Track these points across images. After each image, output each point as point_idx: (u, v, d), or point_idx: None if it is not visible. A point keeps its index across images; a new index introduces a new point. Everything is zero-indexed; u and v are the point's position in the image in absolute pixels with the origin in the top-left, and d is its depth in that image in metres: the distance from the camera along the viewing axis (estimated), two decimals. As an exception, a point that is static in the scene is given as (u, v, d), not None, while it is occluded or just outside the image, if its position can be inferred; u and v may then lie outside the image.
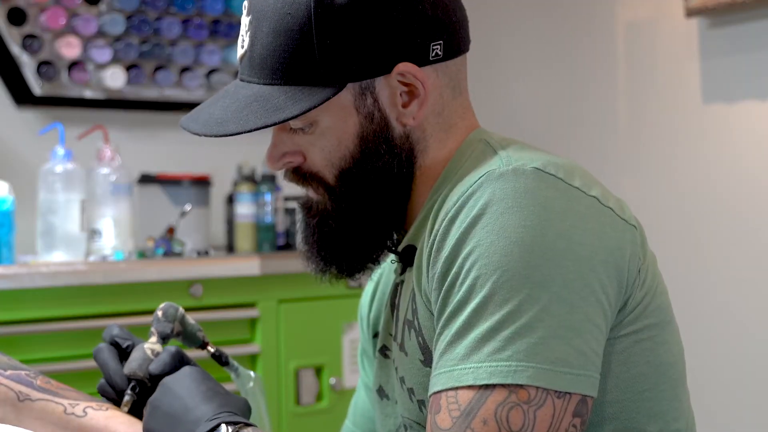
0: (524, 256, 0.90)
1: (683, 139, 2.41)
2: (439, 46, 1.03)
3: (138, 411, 1.09)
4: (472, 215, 0.93)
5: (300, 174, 1.07)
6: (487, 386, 0.88)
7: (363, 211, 1.06)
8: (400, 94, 1.03)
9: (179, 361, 1.08)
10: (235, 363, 1.19)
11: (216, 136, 1.01)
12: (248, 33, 1.05)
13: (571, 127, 2.73)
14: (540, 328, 0.89)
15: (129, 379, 1.09)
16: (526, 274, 0.90)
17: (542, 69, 2.83)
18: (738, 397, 2.28)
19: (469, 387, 0.89)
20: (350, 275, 1.09)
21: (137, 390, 1.08)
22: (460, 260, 0.93)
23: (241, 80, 1.06)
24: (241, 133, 1.00)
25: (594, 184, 1.00)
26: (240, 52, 1.06)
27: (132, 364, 1.09)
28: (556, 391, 0.89)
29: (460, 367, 0.90)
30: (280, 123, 1.00)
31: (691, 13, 2.29)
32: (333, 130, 1.04)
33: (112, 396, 1.10)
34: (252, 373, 1.19)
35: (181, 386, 1.01)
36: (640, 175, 2.52)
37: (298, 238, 1.12)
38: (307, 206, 1.09)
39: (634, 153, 2.54)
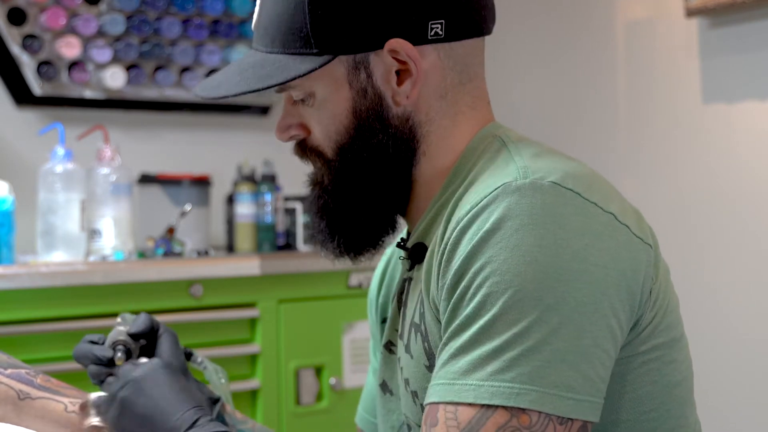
0: (537, 276, 0.88)
1: (683, 139, 2.41)
2: (439, 26, 1.00)
3: None
4: (485, 228, 0.91)
5: (303, 147, 1.08)
6: (488, 406, 0.87)
7: (359, 188, 1.05)
8: (395, 72, 1.01)
9: (151, 327, 1.15)
10: (199, 356, 1.19)
11: (207, 97, 1.04)
12: (259, 1, 1.07)
13: (571, 126, 2.73)
14: (546, 351, 0.87)
15: (114, 350, 1.13)
16: (538, 295, 0.88)
17: (542, 68, 2.83)
18: (737, 396, 2.28)
19: (470, 405, 0.87)
20: (351, 254, 1.08)
21: (124, 351, 1.12)
22: (471, 274, 0.91)
23: (253, 48, 1.07)
24: (227, 96, 1.02)
25: (612, 197, 0.97)
26: (254, 20, 1.08)
27: (112, 335, 1.14)
28: (558, 417, 0.87)
29: (460, 382, 0.89)
30: (262, 89, 1.01)
31: (691, 13, 2.29)
32: (328, 102, 1.03)
33: (104, 378, 1.12)
34: (218, 367, 1.20)
35: (154, 385, 1.02)
36: (640, 174, 2.52)
37: (299, 233, 1.13)
38: (313, 181, 1.09)
39: (634, 153, 2.54)
